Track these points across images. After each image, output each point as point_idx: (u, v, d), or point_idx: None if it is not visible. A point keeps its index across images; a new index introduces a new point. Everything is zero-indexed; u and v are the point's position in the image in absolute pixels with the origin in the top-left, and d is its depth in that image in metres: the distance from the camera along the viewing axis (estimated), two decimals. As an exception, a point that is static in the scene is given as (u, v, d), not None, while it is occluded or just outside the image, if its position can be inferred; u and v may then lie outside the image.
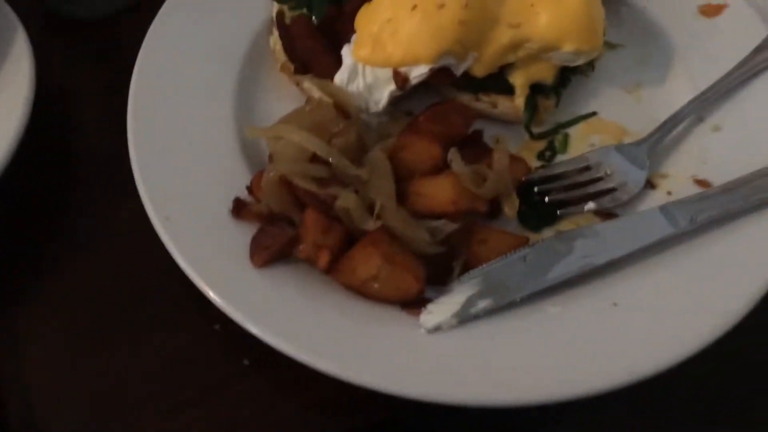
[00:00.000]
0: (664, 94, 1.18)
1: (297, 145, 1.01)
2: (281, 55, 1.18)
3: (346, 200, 0.95)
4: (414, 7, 1.06)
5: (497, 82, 1.13)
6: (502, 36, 1.08)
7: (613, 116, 1.17)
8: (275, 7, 1.23)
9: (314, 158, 1.00)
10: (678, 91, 1.17)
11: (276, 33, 1.19)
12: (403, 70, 1.09)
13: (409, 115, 1.15)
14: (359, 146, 1.05)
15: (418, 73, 1.09)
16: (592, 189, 1.06)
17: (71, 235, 1.10)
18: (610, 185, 1.06)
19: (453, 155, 0.99)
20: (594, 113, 1.18)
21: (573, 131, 1.16)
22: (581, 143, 1.15)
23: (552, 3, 1.07)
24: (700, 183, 1.05)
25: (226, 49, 1.19)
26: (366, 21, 1.10)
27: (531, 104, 1.12)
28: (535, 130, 1.15)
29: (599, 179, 1.07)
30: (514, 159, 1.04)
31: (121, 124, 1.08)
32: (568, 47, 1.08)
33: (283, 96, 1.18)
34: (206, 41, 1.20)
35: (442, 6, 1.05)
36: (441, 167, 1.02)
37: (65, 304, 1.03)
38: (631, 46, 1.24)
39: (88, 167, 1.18)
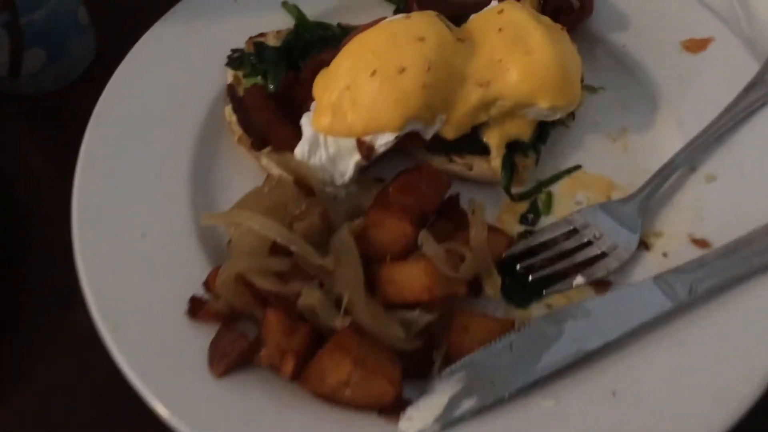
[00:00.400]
0: (651, 141, 1.10)
1: (256, 234, 0.92)
2: (237, 128, 1.09)
3: (309, 297, 0.86)
4: (373, 73, 0.97)
5: (471, 142, 1.04)
6: (471, 95, 0.99)
7: (598, 168, 1.09)
8: (229, 73, 1.15)
9: (275, 246, 0.92)
10: (666, 136, 1.08)
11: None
12: (367, 138, 1.00)
13: (380, 181, 1.07)
14: (324, 227, 0.96)
15: (383, 141, 1.00)
16: (580, 257, 0.97)
17: (19, 343, 1.01)
18: (599, 250, 0.97)
19: (424, 238, 0.90)
20: (578, 167, 1.09)
21: (557, 188, 1.07)
22: (567, 201, 1.06)
23: (521, 57, 0.98)
24: (698, 243, 0.96)
25: (180, 123, 1.11)
26: (324, 88, 1.02)
27: (509, 164, 1.04)
28: (516, 190, 1.06)
29: (588, 244, 0.98)
30: (493, 231, 0.96)
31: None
32: (543, 103, 0.99)
33: (243, 169, 1.09)
34: (157, 114, 1.11)
35: (402, 70, 0.96)
36: (414, 246, 0.94)
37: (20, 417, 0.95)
38: (613, 89, 1.16)
39: (36, 261, 1.08)
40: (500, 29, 1.00)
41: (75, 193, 1.01)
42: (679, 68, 1.13)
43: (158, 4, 1.32)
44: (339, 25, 1.19)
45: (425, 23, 0.98)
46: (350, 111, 0.99)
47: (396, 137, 1.00)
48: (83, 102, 1.16)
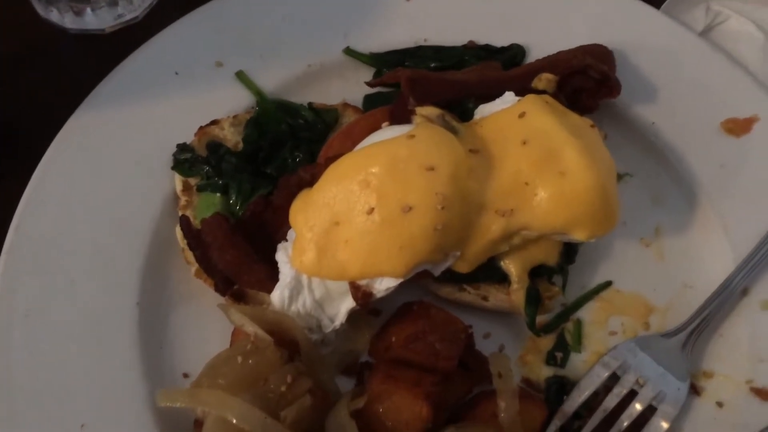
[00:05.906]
0: (690, 243, 0.94)
1: (235, 427, 0.73)
2: (194, 258, 0.87)
3: None
4: (371, 211, 0.76)
5: (486, 271, 0.85)
6: (491, 227, 0.80)
7: (632, 283, 0.92)
8: (177, 179, 0.92)
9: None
10: (707, 237, 0.93)
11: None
12: (363, 282, 0.81)
13: (376, 314, 0.88)
14: (317, 404, 0.78)
15: (384, 287, 0.80)
16: (626, 419, 0.81)
17: None
18: (645, 404, 0.82)
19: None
20: (608, 283, 0.92)
21: (586, 314, 0.91)
22: (599, 332, 0.90)
23: (552, 180, 0.78)
24: (759, 393, 0.82)
25: (118, 254, 0.87)
26: (305, 218, 0.80)
27: (533, 296, 0.86)
28: (539, 317, 0.88)
29: (632, 395, 0.83)
30: (526, 401, 0.79)
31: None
32: (578, 235, 0.81)
33: (205, 307, 0.87)
34: (88, 242, 0.87)
35: (409, 209, 0.76)
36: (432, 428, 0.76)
37: None
38: (641, 176, 0.98)
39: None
40: (524, 141, 0.80)
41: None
42: (719, 154, 0.95)
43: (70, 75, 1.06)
44: (310, 106, 0.97)
45: (435, 146, 0.77)
46: (341, 251, 0.79)
47: (399, 283, 0.80)
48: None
